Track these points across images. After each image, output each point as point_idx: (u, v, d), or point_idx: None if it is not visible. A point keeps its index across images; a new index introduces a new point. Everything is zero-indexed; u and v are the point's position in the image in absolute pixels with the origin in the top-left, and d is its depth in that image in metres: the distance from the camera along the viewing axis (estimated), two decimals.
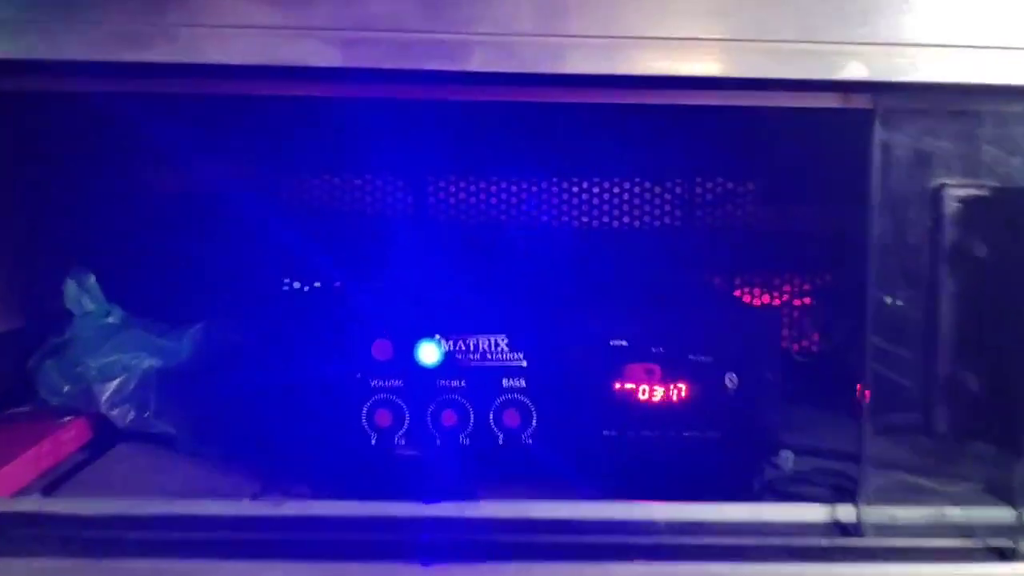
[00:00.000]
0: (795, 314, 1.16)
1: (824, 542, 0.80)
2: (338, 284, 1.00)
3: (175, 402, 1.02)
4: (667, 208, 1.25)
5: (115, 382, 1.03)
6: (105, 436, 1.04)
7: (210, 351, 1.04)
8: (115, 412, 1.02)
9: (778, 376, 0.91)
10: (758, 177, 1.23)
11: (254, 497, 0.91)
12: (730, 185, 1.23)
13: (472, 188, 1.26)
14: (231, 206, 1.09)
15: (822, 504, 0.86)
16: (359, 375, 0.90)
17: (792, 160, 1.17)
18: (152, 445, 1.01)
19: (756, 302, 1.13)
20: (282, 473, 0.95)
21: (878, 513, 0.82)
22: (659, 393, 0.90)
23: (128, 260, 1.16)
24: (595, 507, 0.84)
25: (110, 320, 1.08)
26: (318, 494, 0.91)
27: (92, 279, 1.06)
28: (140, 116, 0.92)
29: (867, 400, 0.81)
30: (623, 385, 0.90)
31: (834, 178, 1.04)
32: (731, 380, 0.90)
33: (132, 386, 1.03)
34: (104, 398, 1.02)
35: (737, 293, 1.12)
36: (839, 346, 1.17)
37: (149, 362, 1.05)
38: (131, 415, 1.03)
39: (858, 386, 0.81)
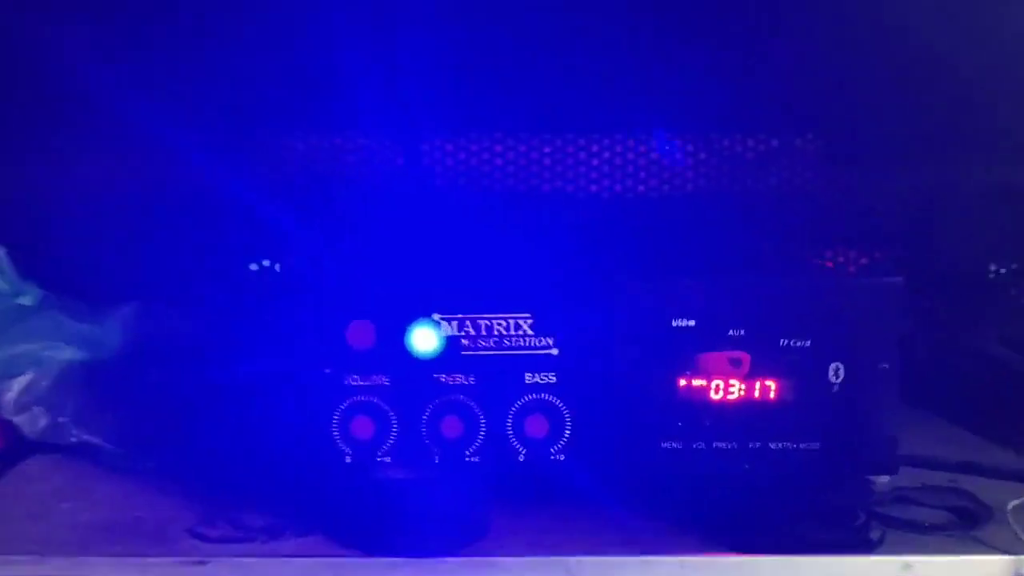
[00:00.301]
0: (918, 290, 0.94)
1: None
2: (303, 250, 0.76)
3: (100, 405, 0.83)
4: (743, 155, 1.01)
5: (23, 379, 0.85)
6: (9, 448, 0.84)
7: (145, 341, 0.81)
8: (22, 417, 0.84)
9: (897, 367, 0.67)
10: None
11: (190, 530, 0.68)
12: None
13: (484, 141, 1.01)
14: (173, 162, 0.86)
15: (991, 544, 0.62)
16: (329, 370, 0.66)
17: None
18: (70, 459, 0.83)
19: (867, 272, 0.88)
20: (232, 499, 0.73)
21: None
22: (739, 391, 0.67)
23: (46, 229, 0.94)
24: (678, 563, 0.61)
25: (21, 301, 0.89)
26: (276, 529, 0.68)
27: (1, 251, 0.89)
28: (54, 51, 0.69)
29: None
30: (690, 381, 0.67)
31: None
32: (836, 373, 0.67)
33: (45, 384, 0.85)
34: (8, 399, 0.84)
35: (842, 260, 0.88)
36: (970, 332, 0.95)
37: (68, 354, 0.86)
38: (43, 421, 0.85)
39: None
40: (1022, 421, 0.90)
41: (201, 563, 0.61)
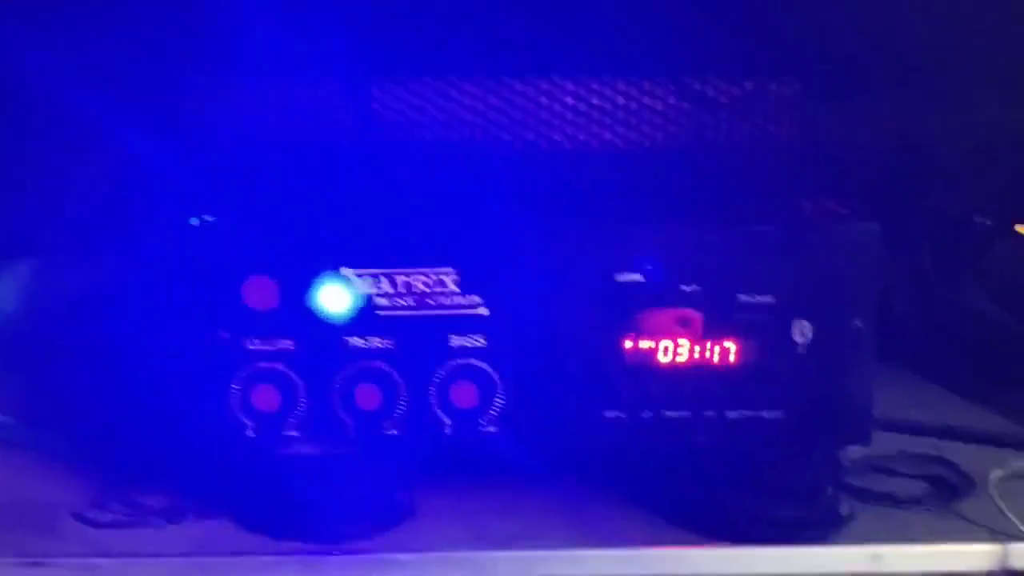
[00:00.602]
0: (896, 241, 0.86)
1: None
2: (195, 198, 0.66)
3: None
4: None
5: None
6: None
7: (28, 303, 0.72)
8: None
9: (871, 325, 0.59)
10: None
11: (79, 516, 0.61)
12: None
13: (402, 82, 0.91)
14: (61, 108, 0.75)
15: (979, 541, 0.54)
16: (225, 333, 0.57)
17: None
18: None
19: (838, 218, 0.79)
20: (128, 475, 0.64)
21: None
22: (692, 353, 0.58)
23: None
24: (608, 557, 0.53)
25: None
26: (175, 512, 0.60)
27: None
28: None
29: None
30: (637, 343, 0.59)
31: None
32: (802, 332, 0.59)
33: None
34: None
35: (811, 207, 0.79)
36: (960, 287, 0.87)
37: None
38: None
39: None
40: (1007, 381, 0.83)
41: (37, 564, 0.52)
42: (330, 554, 0.54)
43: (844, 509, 0.63)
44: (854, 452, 0.69)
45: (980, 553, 0.55)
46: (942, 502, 0.65)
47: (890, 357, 0.87)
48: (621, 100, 0.92)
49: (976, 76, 0.89)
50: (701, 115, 0.92)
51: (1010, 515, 0.59)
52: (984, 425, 0.78)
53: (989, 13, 0.83)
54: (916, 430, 0.77)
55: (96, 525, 0.61)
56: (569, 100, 0.91)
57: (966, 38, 0.86)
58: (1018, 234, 0.91)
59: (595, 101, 0.93)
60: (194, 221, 0.58)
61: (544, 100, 0.93)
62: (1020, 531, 0.57)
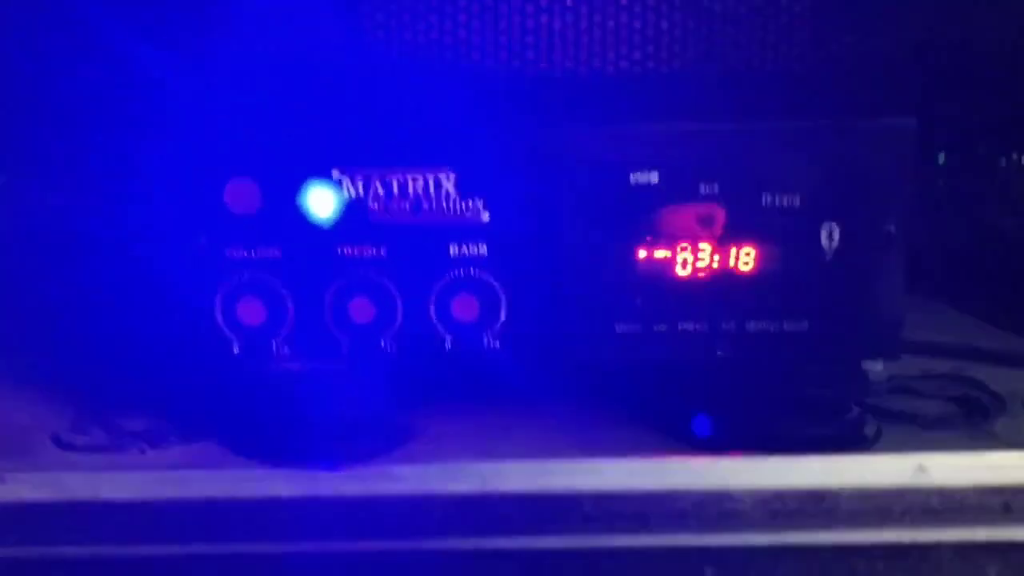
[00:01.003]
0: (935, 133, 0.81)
1: None
2: (169, 92, 0.61)
3: None
4: None
5: None
6: None
7: (6, 217, 0.67)
8: None
9: (904, 230, 0.55)
10: None
11: (56, 439, 0.57)
12: None
13: None
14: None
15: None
16: (204, 239, 0.53)
17: None
18: None
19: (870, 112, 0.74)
20: (107, 396, 0.61)
21: None
22: (712, 260, 0.54)
23: None
24: (615, 469, 0.49)
25: None
26: (157, 434, 0.56)
27: None
28: None
29: None
30: (652, 250, 0.54)
31: None
32: (830, 235, 0.54)
33: None
34: None
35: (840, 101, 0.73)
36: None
37: None
38: None
39: None
40: None
41: None
42: (321, 461, 0.50)
43: (870, 429, 0.59)
44: (878, 372, 0.66)
45: None
46: (973, 422, 0.61)
47: (911, 282, 0.84)
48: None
49: None
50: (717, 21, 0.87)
51: None
52: (1010, 348, 0.74)
53: None
54: (940, 351, 0.73)
55: (73, 448, 0.57)
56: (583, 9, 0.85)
57: None
58: None
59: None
60: None
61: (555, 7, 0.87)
62: None
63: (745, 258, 0.55)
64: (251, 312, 0.55)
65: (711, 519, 0.46)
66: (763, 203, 0.54)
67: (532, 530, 0.46)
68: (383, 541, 0.45)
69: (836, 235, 0.55)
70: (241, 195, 0.53)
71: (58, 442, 0.58)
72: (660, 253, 0.55)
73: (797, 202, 0.54)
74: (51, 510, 0.47)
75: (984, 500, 0.48)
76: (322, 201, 0.54)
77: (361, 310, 0.55)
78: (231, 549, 0.46)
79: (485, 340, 0.56)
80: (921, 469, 0.49)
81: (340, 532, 0.46)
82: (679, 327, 0.56)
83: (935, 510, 0.47)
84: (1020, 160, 0.89)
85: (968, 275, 0.86)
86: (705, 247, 0.54)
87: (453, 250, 0.55)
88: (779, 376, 0.57)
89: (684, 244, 0.54)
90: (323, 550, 0.45)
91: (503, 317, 0.56)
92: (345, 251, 0.55)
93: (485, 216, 0.55)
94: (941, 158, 0.90)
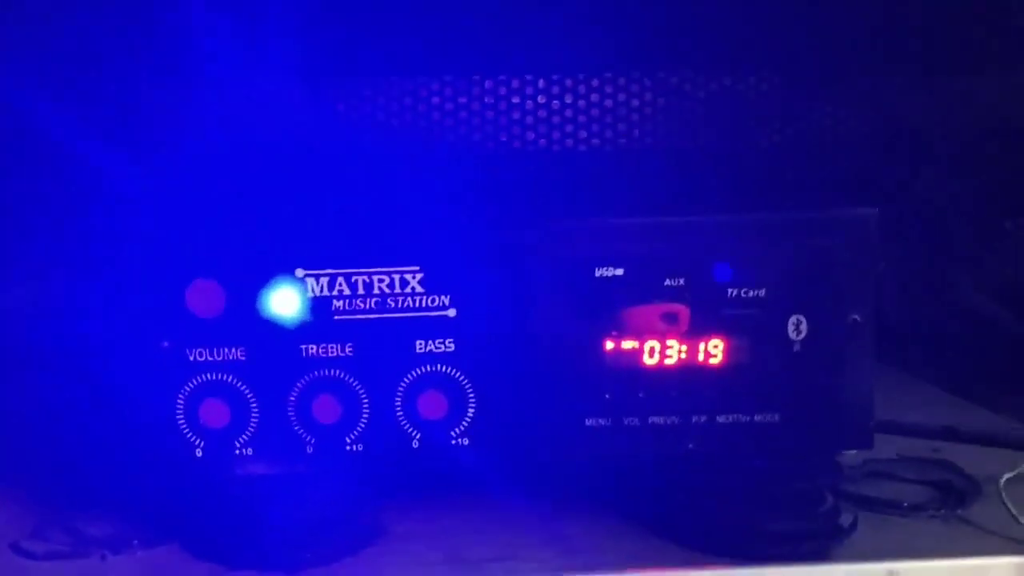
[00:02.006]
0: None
1: None
2: (133, 195, 0.61)
3: None
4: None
5: None
6: None
7: None
8: None
9: (871, 320, 0.55)
10: None
11: (15, 547, 0.55)
12: None
13: (356, 78, 0.86)
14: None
15: (1002, 554, 0.50)
16: (167, 343, 0.52)
17: None
18: None
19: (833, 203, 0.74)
20: (68, 501, 0.60)
21: None
22: (679, 353, 0.54)
23: None
24: None
25: None
26: (120, 540, 0.55)
27: None
28: None
29: None
30: (619, 343, 0.54)
31: None
32: (797, 328, 0.54)
33: None
34: None
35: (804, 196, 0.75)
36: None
37: None
38: None
39: None
40: (1005, 381, 0.79)
41: None
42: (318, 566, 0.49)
43: (845, 519, 0.58)
44: (851, 457, 0.65)
45: (1003, 567, 0.50)
46: (949, 508, 0.61)
47: (883, 357, 0.84)
48: (596, 97, 0.88)
49: (966, 64, 0.86)
50: (680, 110, 0.89)
51: (1015, 511, 0.55)
52: (984, 427, 0.74)
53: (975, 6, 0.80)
54: (915, 432, 0.73)
55: (34, 557, 0.56)
56: (541, 98, 0.87)
57: (953, 27, 0.83)
58: (1013, 230, 0.87)
59: (568, 99, 0.89)
60: None
61: (516, 99, 0.89)
62: None
63: (713, 351, 0.55)
64: (214, 414, 0.54)
65: None
66: (729, 296, 0.54)
67: None
68: None
69: (803, 326, 0.55)
70: (204, 296, 0.53)
71: (17, 550, 0.56)
72: (628, 346, 0.55)
73: (763, 294, 0.54)
74: None
75: None
76: (286, 301, 0.54)
77: (326, 410, 0.55)
78: None
79: (453, 437, 0.55)
80: (891, 573, 0.48)
81: None
82: (649, 420, 0.55)
83: None
84: (994, 242, 0.90)
85: (946, 353, 0.86)
86: (672, 342, 0.54)
87: (420, 346, 0.55)
88: (751, 469, 0.56)
89: (651, 338, 0.54)
90: None
91: (471, 413, 0.55)
92: (310, 350, 0.54)
93: (451, 312, 0.55)
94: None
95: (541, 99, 0.87)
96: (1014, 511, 0.57)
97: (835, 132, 0.92)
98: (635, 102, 0.89)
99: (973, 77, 0.87)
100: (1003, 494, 0.59)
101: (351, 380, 0.54)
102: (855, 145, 0.92)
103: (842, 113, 0.92)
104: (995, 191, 0.87)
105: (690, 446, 0.55)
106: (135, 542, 0.57)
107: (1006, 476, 0.61)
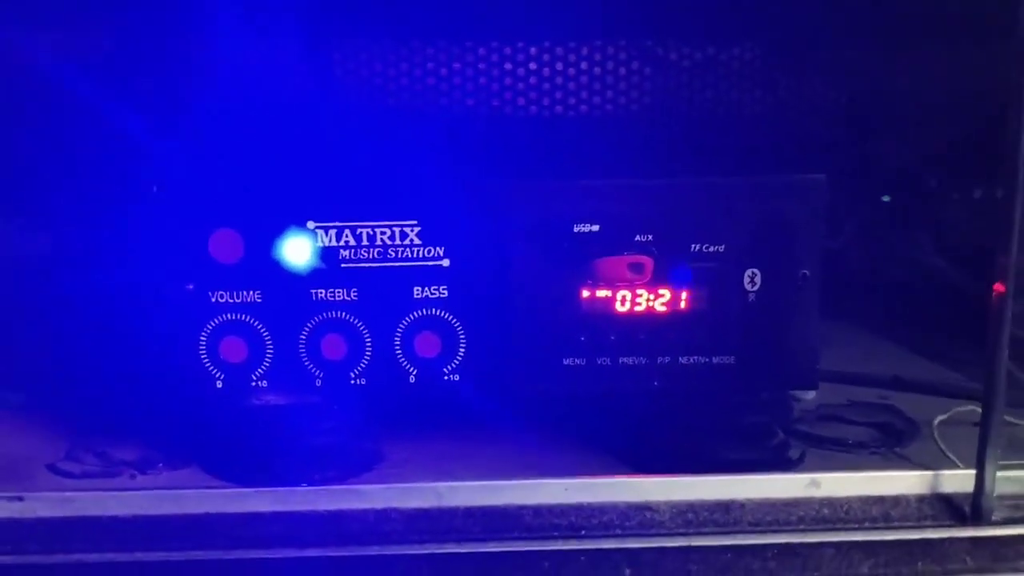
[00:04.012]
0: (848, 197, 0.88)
1: (935, 534, 0.51)
2: (160, 153, 0.66)
3: None
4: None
5: None
6: None
7: (3, 260, 0.72)
8: None
9: (818, 273, 0.62)
10: None
11: (52, 468, 0.62)
12: None
13: (359, 40, 0.91)
14: (17, 66, 0.75)
15: (911, 469, 0.57)
16: (191, 286, 0.59)
17: None
18: None
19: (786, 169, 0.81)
20: (99, 428, 0.66)
21: (1010, 481, 0.54)
22: (647, 301, 0.61)
23: None
24: (552, 486, 0.55)
25: None
26: (147, 462, 0.62)
27: None
28: None
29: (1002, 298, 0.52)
30: (594, 292, 0.61)
31: None
32: (752, 280, 0.61)
33: None
34: None
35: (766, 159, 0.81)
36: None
37: None
38: None
39: (996, 285, 0.52)
40: (954, 335, 0.86)
41: (18, 498, 0.54)
42: (298, 485, 0.56)
43: (794, 452, 0.65)
44: (808, 400, 0.72)
45: (913, 478, 0.57)
46: (888, 446, 0.68)
47: (845, 313, 0.91)
48: (579, 65, 0.94)
49: (931, 33, 0.91)
50: (653, 80, 0.94)
51: (948, 453, 0.62)
52: (929, 377, 0.81)
53: None
54: (867, 381, 0.80)
55: (70, 475, 0.62)
56: (532, 65, 0.93)
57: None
58: (968, 191, 0.93)
59: (559, 66, 0.95)
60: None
61: (508, 65, 0.94)
62: (957, 466, 0.59)
63: (677, 300, 0.61)
64: (233, 350, 0.60)
65: (633, 527, 0.52)
66: (692, 250, 0.61)
67: (481, 538, 0.52)
68: (351, 548, 0.51)
69: (758, 279, 0.61)
70: (225, 245, 0.59)
71: (54, 470, 0.63)
72: (601, 294, 0.61)
73: (722, 249, 0.61)
74: (64, 524, 0.53)
75: (867, 509, 0.54)
76: (299, 249, 0.60)
77: (334, 347, 0.61)
78: (220, 556, 0.51)
79: (446, 374, 0.62)
80: (814, 483, 0.55)
81: (314, 541, 0.52)
82: (619, 361, 0.62)
83: (825, 518, 0.54)
84: (950, 203, 0.96)
85: (899, 309, 0.93)
86: (641, 291, 0.61)
87: (417, 292, 0.61)
88: (710, 405, 0.63)
89: (622, 288, 0.61)
90: (299, 556, 0.51)
91: (462, 352, 0.62)
92: (319, 294, 0.60)
93: (445, 262, 0.61)
94: (885, 198, 0.98)
95: (532, 66, 0.93)
96: (943, 447, 0.64)
97: (808, 101, 0.98)
98: (618, 70, 0.95)
99: (940, 49, 0.93)
100: (935, 433, 0.66)
101: (355, 321, 0.61)
102: (826, 113, 0.98)
103: (814, 82, 0.98)
104: (949, 157, 0.93)
105: (655, 384, 0.62)
106: (160, 464, 0.63)
107: (939, 418, 0.68)
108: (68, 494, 0.55)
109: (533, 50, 0.94)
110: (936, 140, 0.94)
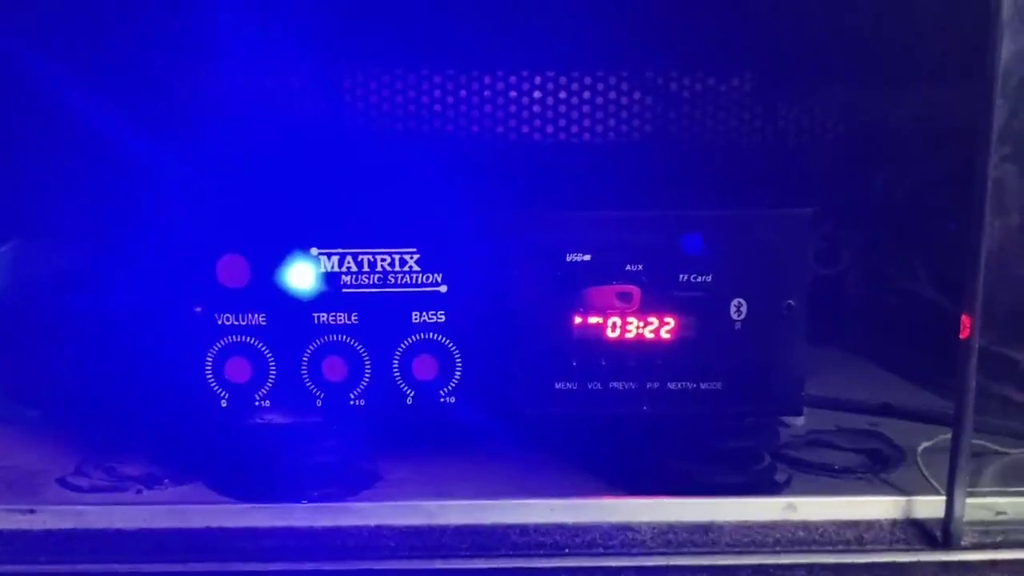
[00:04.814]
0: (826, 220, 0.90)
1: (905, 557, 0.53)
2: (171, 180, 0.69)
3: None
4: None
5: None
6: None
7: (18, 283, 0.75)
8: None
9: (803, 304, 0.64)
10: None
11: (62, 482, 0.64)
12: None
13: (365, 71, 0.95)
14: (36, 93, 0.78)
15: (890, 495, 0.59)
16: (199, 308, 0.61)
17: None
18: None
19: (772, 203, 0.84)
20: (109, 443, 0.68)
21: (981, 507, 0.56)
22: (637, 329, 0.63)
23: None
24: (538, 507, 0.57)
25: None
26: (152, 478, 0.64)
27: None
28: None
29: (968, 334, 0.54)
30: (585, 319, 0.63)
31: None
32: (738, 309, 0.63)
33: None
34: None
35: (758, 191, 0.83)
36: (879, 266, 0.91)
37: None
38: None
39: (963, 316, 0.54)
40: (943, 362, 0.88)
41: (29, 511, 0.56)
42: (298, 502, 0.58)
43: (780, 476, 0.67)
44: (795, 427, 0.74)
45: (887, 503, 0.59)
46: (874, 472, 0.69)
47: (836, 340, 0.93)
48: (575, 99, 0.97)
49: (922, 69, 0.94)
50: (663, 108, 0.97)
51: (930, 478, 0.64)
52: (917, 404, 0.82)
53: (934, 9, 0.87)
54: (857, 408, 0.82)
55: (79, 489, 0.64)
56: (527, 99, 0.96)
57: (912, 30, 0.91)
58: (952, 222, 0.95)
59: (562, 95, 0.97)
60: None
61: (504, 99, 0.97)
62: (938, 492, 0.61)
63: (666, 327, 0.63)
64: (238, 371, 0.63)
65: (615, 546, 0.54)
66: (680, 280, 0.63)
67: (469, 555, 0.54)
68: (348, 563, 0.53)
69: (744, 308, 0.64)
70: (232, 269, 0.62)
71: (64, 484, 0.65)
72: (593, 321, 0.63)
73: (710, 279, 0.63)
74: (72, 536, 0.55)
75: (841, 533, 0.56)
76: (302, 275, 0.62)
77: (334, 369, 0.63)
78: (221, 568, 0.54)
79: (442, 396, 0.64)
80: (790, 507, 0.57)
81: (312, 555, 0.54)
82: (609, 385, 0.64)
83: (800, 540, 0.56)
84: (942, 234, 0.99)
85: (889, 337, 0.95)
86: (631, 318, 0.63)
87: (415, 317, 0.63)
88: (698, 429, 0.65)
89: (613, 315, 0.63)
90: (297, 570, 0.53)
91: (458, 376, 0.64)
92: (321, 318, 0.63)
93: (443, 288, 0.63)
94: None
95: (526, 100, 0.96)
96: (926, 473, 0.66)
97: (802, 133, 1.01)
98: (613, 104, 0.98)
99: (928, 84, 0.95)
100: (919, 460, 0.68)
101: (356, 344, 0.63)
102: (820, 147, 1.00)
103: (808, 115, 1.00)
104: (936, 191, 0.96)
105: (644, 408, 0.64)
106: (166, 480, 0.65)
107: (923, 445, 0.70)
108: (78, 507, 0.57)
109: (527, 85, 0.97)
110: (926, 172, 0.96)
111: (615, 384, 0.64)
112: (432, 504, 0.57)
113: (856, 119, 0.98)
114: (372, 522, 0.56)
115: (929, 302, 0.94)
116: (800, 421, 0.75)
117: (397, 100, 0.93)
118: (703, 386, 0.64)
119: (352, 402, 0.64)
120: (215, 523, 0.56)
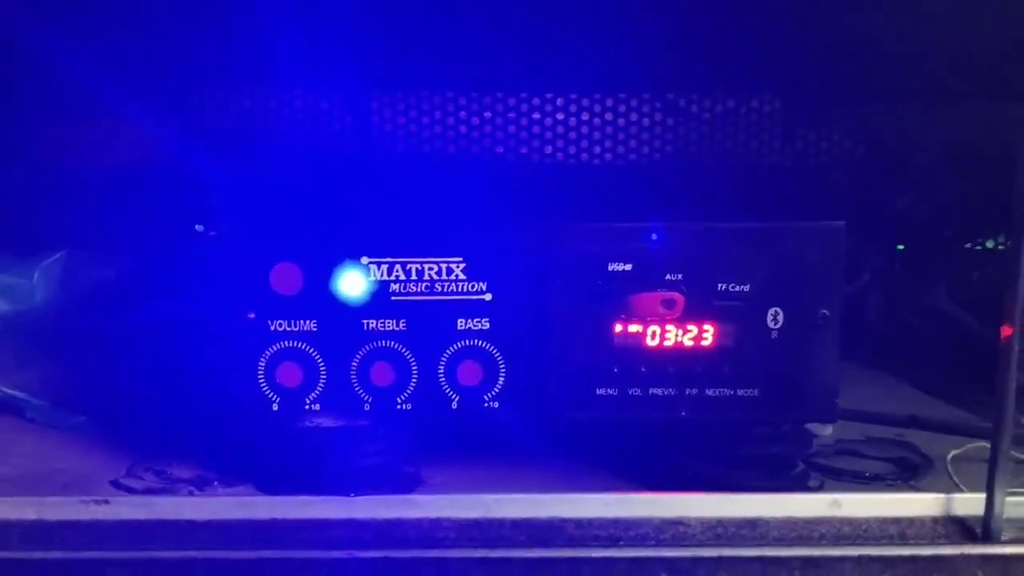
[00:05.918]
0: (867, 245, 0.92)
1: (948, 550, 0.55)
2: (227, 191, 0.72)
3: (24, 358, 0.81)
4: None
5: None
6: None
7: (71, 291, 0.78)
8: None
9: (837, 314, 0.66)
10: None
11: (116, 484, 0.66)
12: None
13: (417, 93, 0.98)
14: (94, 111, 0.81)
15: (928, 491, 0.61)
16: (253, 315, 0.63)
17: None
18: None
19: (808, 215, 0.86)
20: (159, 448, 0.70)
21: (1018, 506, 0.57)
22: (676, 336, 0.65)
23: None
24: (592, 501, 0.59)
25: None
26: (203, 480, 0.66)
27: None
28: None
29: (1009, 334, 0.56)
30: (626, 327, 0.65)
31: None
32: (775, 318, 0.65)
33: None
34: None
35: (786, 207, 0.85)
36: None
37: None
38: None
39: (1004, 326, 0.56)
40: (967, 377, 0.89)
41: (104, 502, 0.58)
42: (358, 495, 0.60)
43: (813, 482, 0.69)
44: (826, 434, 0.76)
45: (928, 501, 0.61)
46: (903, 479, 0.71)
47: (863, 355, 0.95)
48: (610, 116, 1.00)
49: (945, 91, 0.96)
50: (680, 129, 1.00)
51: (960, 485, 0.65)
52: (945, 416, 0.84)
53: (957, 33, 0.90)
54: (884, 420, 0.83)
55: (131, 491, 0.66)
56: (574, 119, 0.99)
57: (937, 55, 0.93)
58: (980, 241, 0.98)
59: (608, 116, 1.01)
60: (199, 228, 0.64)
61: (551, 118, 1.00)
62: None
63: (704, 335, 0.65)
64: (289, 376, 0.65)
65: (666, 539, 0.56)
66: (719, 290, 0.65)
67: (528, 545, 0.56)
68: (408, 551, 0.55)
69: (780, 317, 0.66)
70: (285, 277, 0.64)
71: (117, 485, 0.67)
72: (633, 329, 0.65)
73: (747, 289, 0.65)
74: (143, 526, 0.57)
75: (884, 528, 0.58)
76: (353, 282, 0.64)
77: (382, 374, 0.65)
78: (287, 555, 0.56)
79: (486, 401, 0.66)
80: (835, 504, 0.59)
81: (373, 544, 0.56)
82: (649, 392, 0.66)
83: (845, 535, 0.57)
84: (963, 252, 1.01)
85: (915, 353, 0.97)
86: (671, 326, 0.65)
87: (461, 324, 0.65)
88: (734, 435, 0.67)
89: (653, 323, 0.65)
90: (360, 557, 0.55)
91: (502, 381, 0.66)
92: (370, 324, 0.65)
93: (488, 296, 0.65)
94: (900, 248, 1.02)
95: (584, 116, 0.99)
96: (956, 479, 0.68)
97: (825, 154, 1.03)
98: (645, 120, 1.00)
99: (955, 105, 0.98)
100: (948, 467, 0.70)
101: (403, 350, 0.65)
102: (845, 165, 1.03)
103: (831, 136, 1.03)
104: (965, 211, 0.98)
105: (683, 413, 0.66)
106: (216, 482, 0.67)
107: (952, 452, 0.72)
108: (149, 498, 0.59)
109: (573, 106, 1.01)
110: (951, 192, 0.98)
111: (655, 390, 0.66)
112: (488, 497, 0.58)
113: (886, 137, 1.00)
114: (432, 514, 0.58)
115: (951, 318, 0.96)
116: (828, 431, 0.76)
117: (449, 121, 0.97)
118: (740, 393, 0.66)
119: (399, 406, 0.66)
120: (279, 514, 0.58)
